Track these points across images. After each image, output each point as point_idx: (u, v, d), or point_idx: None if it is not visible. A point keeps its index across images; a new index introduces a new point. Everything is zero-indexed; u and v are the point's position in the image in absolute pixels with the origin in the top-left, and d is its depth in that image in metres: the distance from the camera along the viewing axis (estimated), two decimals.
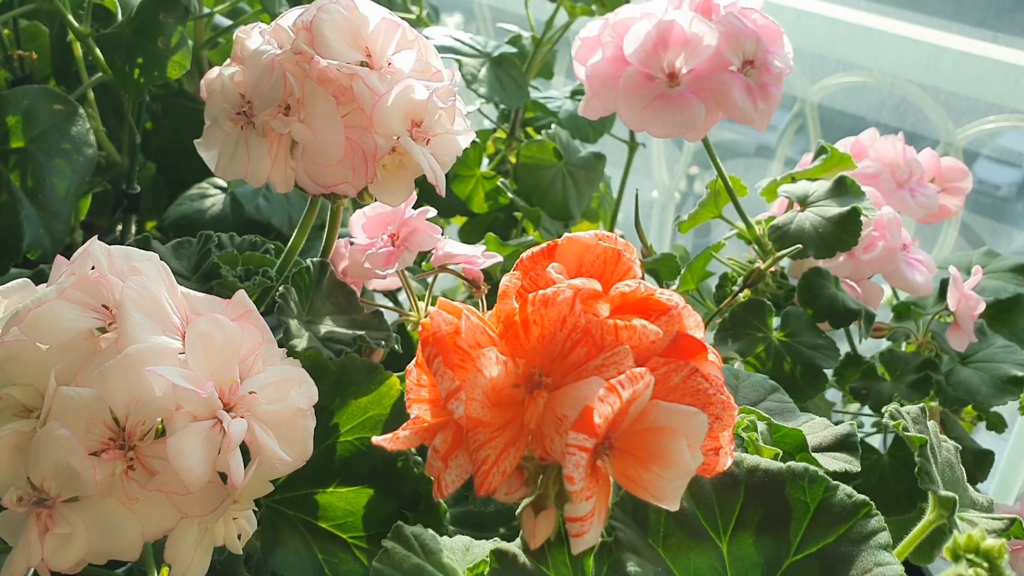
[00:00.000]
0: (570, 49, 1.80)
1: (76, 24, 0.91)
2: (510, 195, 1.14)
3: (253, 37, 0.69)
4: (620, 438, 0.43)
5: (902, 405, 0.99)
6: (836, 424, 0.62)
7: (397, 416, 0.80)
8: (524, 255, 0.48)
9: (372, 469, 0.78)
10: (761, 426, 0.54)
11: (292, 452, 0.54)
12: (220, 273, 0.71)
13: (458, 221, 1.31)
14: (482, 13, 2.20)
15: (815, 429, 0.60)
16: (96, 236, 0.56)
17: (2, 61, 1.10)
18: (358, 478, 0.79)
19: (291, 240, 0.74)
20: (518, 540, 0.52)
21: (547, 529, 0.44)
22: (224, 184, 1.19)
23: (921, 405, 0.55)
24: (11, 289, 0.56)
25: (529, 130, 1.38)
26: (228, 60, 0.70)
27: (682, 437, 0.42)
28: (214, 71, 0.70)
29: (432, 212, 0.79)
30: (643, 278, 0.47)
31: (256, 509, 0.57)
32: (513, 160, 1.27)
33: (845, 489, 0.48)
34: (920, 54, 1.55)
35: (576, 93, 1.38)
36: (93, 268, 0.54)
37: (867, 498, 0.47)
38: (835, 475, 0.50)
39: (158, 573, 0.67)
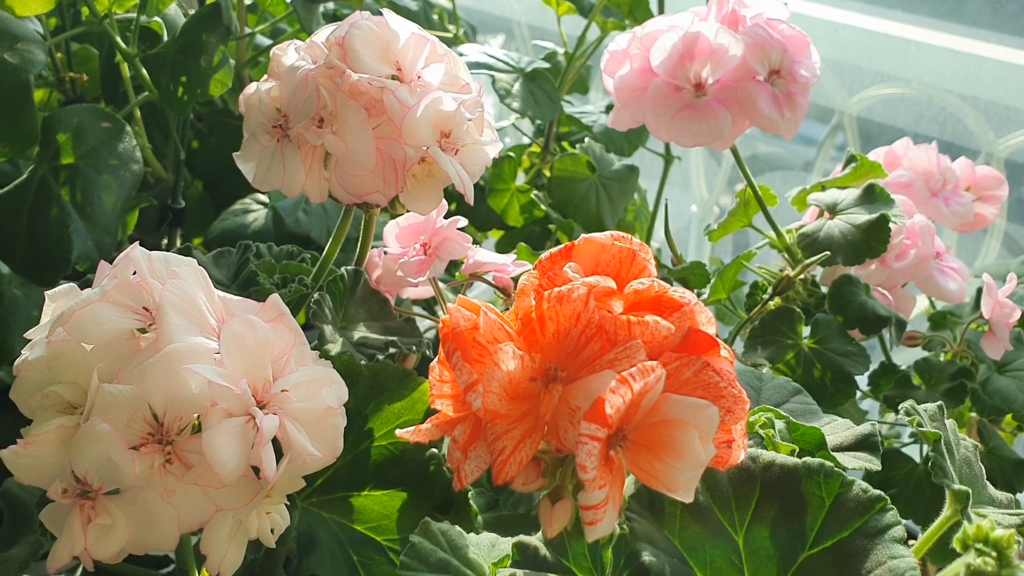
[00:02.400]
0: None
1: (123, 45, 0.95)
2: (544, 208, 1.16)
3: (289, 54, 0.72)
4: (633, 431, 0.44)
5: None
6: None
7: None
8: (543, 255, 0.50)
9: (405, 473, 0.80)
10: (779, 424, 0.55)
11: (322, 448, 0.56)
12: (258, 281, 0.73)
13: (495, 235, 1.33)
14: (521, 32, 2.23)
15: (836, 429, 0.61)
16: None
17: (55, 83, 1.14)
18: (392, 482, 0.80)
19: (326, 249, 0.77)
20: (539, 533, 0.53)
21: (563, 518, 0.45)
22: (266, 199, 1.22)
23: (939, 403, 0.55)
24: (58, 294, 0.59)
25: (565, 144, 1.40)
26: (265, 76, 0.73)
27: (694, 429, 0.43)
28: (252, 87, 0.73)
29: (463, 222, 0.81)
30: (671, 283, 0.48)
31: (289, 504, 0.59)
32: (548, 174, 1.29)
33: (860, 484, 0.49)
34: (960, 64, 1.54)
35: (611, 107, 1.39)
36: (135, 273, 0.57)
37: (882, 493, 0.48)
38: (867, 477, 0.51)
39: (199, 573, 0.69)
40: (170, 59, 0.91)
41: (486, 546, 0.59)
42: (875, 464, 0.56)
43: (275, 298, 0.59)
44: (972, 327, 1.04)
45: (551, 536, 0.45)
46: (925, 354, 1.12)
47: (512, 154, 1.27)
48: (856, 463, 0.56)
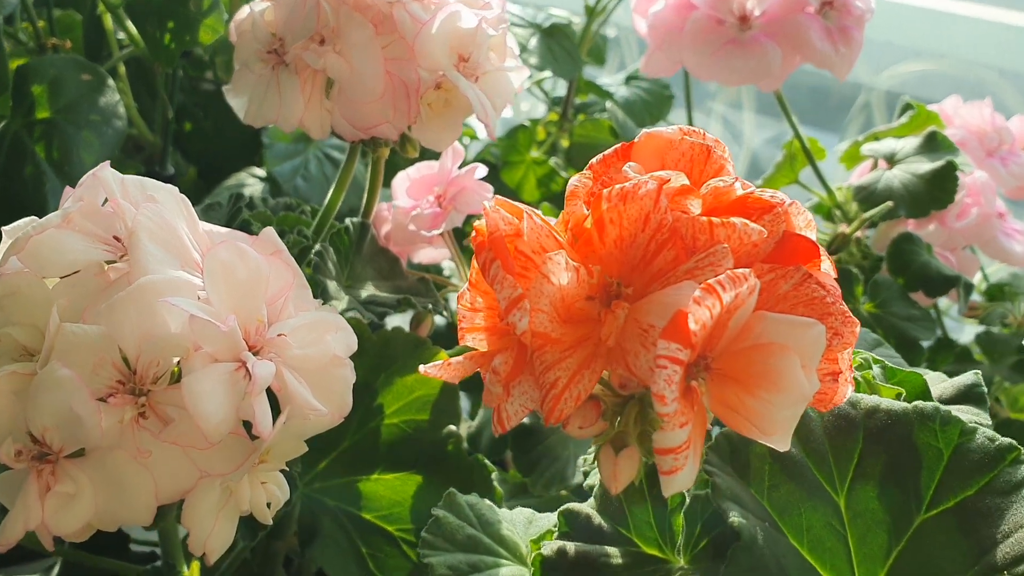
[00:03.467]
0: (619, 43, 1.75)
1: None
2: (564, 176, 1.07)
3: None
4: (718, 358, 0.35)
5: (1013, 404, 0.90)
6: None
7: (447, 396, 0.73)
8: (594, 160, 0.41)
9: (420, 453, 0.72)
10: (876, 369, 0.46)
11: (328, 403, 0.47)
12: (251, 231, 0.64)
13: None
14: None
15: (932, 381, 0.52)
16: None
17: (36, 50, 1.06)
18: (405, 463, 0.72)
19: (328, 196, 0.68)
20: (590, 500, 0.44)
21: (630, 471, 0.36)
22: (263, 173, 1.14)
23: None
24: (18, 228, 0.50)
25: (581, 117, 1.31)
26: None
27: (795, 355, 0.34)
28: (244, 10, 0.64)
29: (484, 170, 0.73)
30: None
31: (286, 475, 0.50)
32: (566, 144, 1.20)
33: (985, 432, 0.40)
34: (997, 36, 1.46)
35: (631, 78, 1.31)
36: (106, 201, 0.48)
37: (1014, 441, 0.39)
38: None
39: (188, 568, 0.60)
40: (156, 4, 0.83)
41: (522, 522, 0.50)
42: (984, 418, 0.47)
43: (270, 231, 0.50)
44: None
45: (616, 491, 0.36)
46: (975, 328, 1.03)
47: (527, 123, 1.18)
48: (964, 416, 0.47)
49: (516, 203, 0.37)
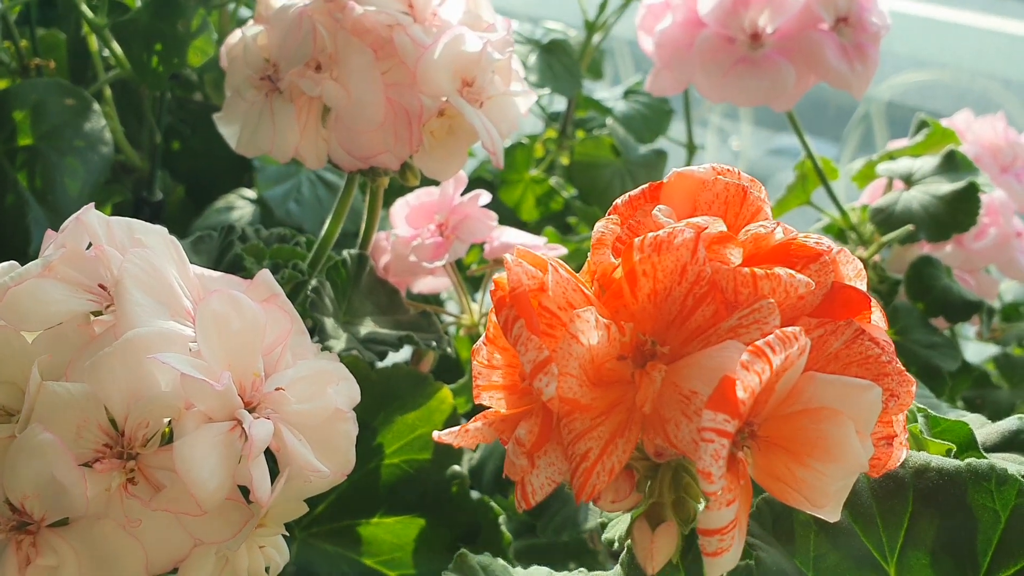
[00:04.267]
0: (612, 54, 1.72)
1: (91, 14, 0.83)
2: (564, 196, 1.04)
3: None
4: (765, 424, 0.32)
5: None
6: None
7: None
8: (619, 201, 0.38)
9: (423, 496, 0.68)
10: (920, 420, 0.43)
11: (330, 462, 0.43)
12: (244, 266, 0.61)
13: None
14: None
15: (973, 425, 0.49)
16: None
17: (19, 70, 1.02)
18: (407, 506, 0.68)
19: (324, 228, 0.65)
20: (616, 569, 0.41)
21: (668, 549, 0.33)
22: (253, 195, 1.10)
23: None
24: None
25: (579, 133, 1.28)
26: (251, 21, 0.61)
27: (848, 420, 0.31)
28: (236, 34, 0.61)
29: (487, 196, 0.69)
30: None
31: (286, 535, 0.46)
32: (565, 162, 1.17)
33: None
34: (1001, 46, 1.44)
35: (629, 92, 1.28)
36: (90, 246, 0.44)
37: None
38: None
39: None
40: (143, 25, 0.80)
41: None
42: None
43: (265, 274, 0.47)
44: None
45: (653, 572, 0.33)
46: (992, 350, 1.00)
47: (525, 140, 1.15)
48: (1012, 468, 0.44)
49: (539, 254, 0.34)
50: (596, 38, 1.10)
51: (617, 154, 1.08)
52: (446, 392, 0.68)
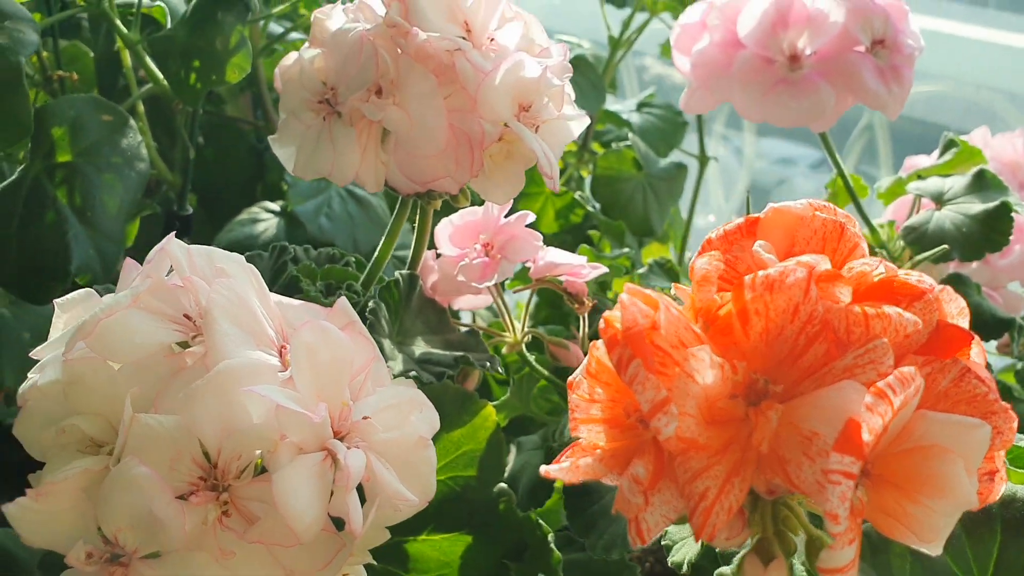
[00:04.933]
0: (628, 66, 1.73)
1: (125, 30, 0.83)
2: (589, 208, 1.05)
3: (334, 16, 0.61)
4: (877, 461, 0.32)
5: None
6: None
7: (492, 451, 0.70)
8: (712, 235, 0.39)
9: (470, 513, 0.68)
10: None
11: (414, 489, 0.44)
12: (300, 287, 0.61)
13: None
14: None
15: None
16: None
17: (42, 82, 1.02)
18: (454, 524, 0.69)
19: (378, 249, 0.65)
20: None
21: None
22: (276, 207, 1.10)
23: None
24: (71, 302, 0.47)
25: (595, 146, 1.29)
26: (307, 43, 0.61)
27: (958, 458, 0.32)
28: (290, 56, 0.61)
29: (532, 216, 0.70)
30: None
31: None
32: (584, 174, 1.18)
33: None
34: (1006, 60, 1.45)
35: (643, 105, 1.29)
36: (171, 271, 0.45)
37: None
38: None
39: None
40: (180, 42, 0.79)
41: None
42: None
43: (344, 302, 0.47)
44: None
45: None
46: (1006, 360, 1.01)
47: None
48: None
49: (649, 291, 0.34)
50: (619, 55, 1.10)
51: (639, 168, 1.09)
52: (490, 410, 0.69)
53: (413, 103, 0.55)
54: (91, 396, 0.41)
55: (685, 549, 0.50)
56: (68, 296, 0.47)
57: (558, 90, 0.59)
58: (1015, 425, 0.34)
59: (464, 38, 0.58)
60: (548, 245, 1.18)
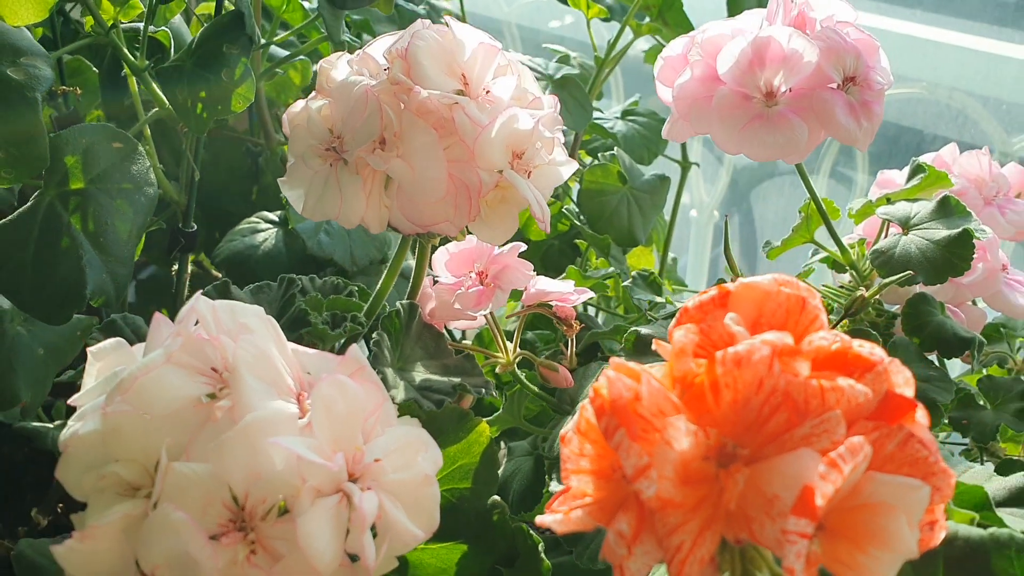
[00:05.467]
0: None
1: (132, 58, 0.87)
2: (575, 222, 1.09)
3: (339, 67, 0.65)
4: (830, 516, 0.37)
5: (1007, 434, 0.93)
6: None
7: (486, 465, 0.75)
8: (689, 305, 0.43)
9: (466, 524, 0.73)
10: None
11: (420, 523, 0.49)
12: (308, 320, 0.66)
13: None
14: (511, 32, 2.16)
15: (979, 480, 0.55)
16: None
17: (46, 97, 1.05)
18: (450, 533, 0.73)
19: (381, 282, 0.69)
20: None
21: None
22: (275, 218, 1.14)
23: None
24: (104, 351, 0.51)
25: (582, 153, 1.33)
26: (313, 93, 0.65)
27: (902, 514, 0.37)
28: (298, 104, 0.65)
29: (523, 247, 0.74)
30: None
31: None
32: (572, 184, 1.22)
33: None
34: (979, 64, 1.50)
35: (627, 113, 1.33)
36: (197, 323, 0.49)
37: None
38: None
39: None
40: (187, 72, 0.83)
41: None
42: None
43: (355, 350, 0.51)
44: None
45: None
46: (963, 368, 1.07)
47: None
48: (1019, 523, 0.50)
49: (632, 365, 0.39)
50: (604, 72, 1.14)
51: (623, 181, 1.14)
52: (484, 426, 0.73)
53: (416, 155, 0.60)
54: (128, 445, 0.46)
55: (662, 569, 0.55)
56: (100, 345, 0.51)
57: (549, 140, 0.63)
58: (953, 482, 0.39)
59: (462, 91, 0.62)
60: (537, 251, 1.23)
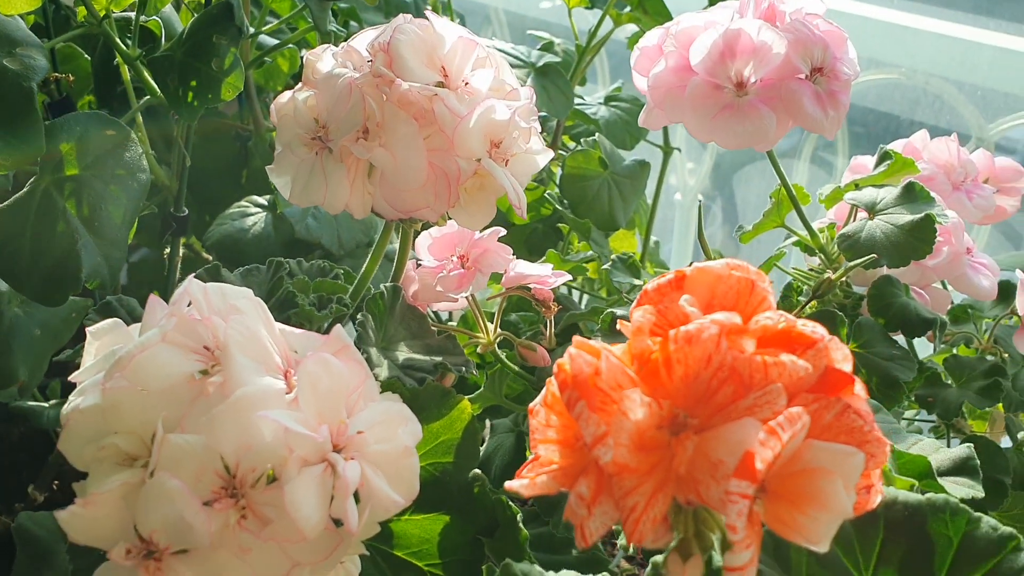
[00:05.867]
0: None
1: (124, 47, 0.89)
2: (557, 206, 1.12)
3: (324, 60, 0.68)
4: (773, 480, 0.41)
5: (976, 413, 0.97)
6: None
7: (468, 440, 0.78)
8: (648, 287, 0.47)
9: (448, 496, 0.77)
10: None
11: (400, 491, 0.52)
12: (296, 302, 0.69)
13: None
14: (498, 18, 2.19)
15: (926, 451, 0.58)
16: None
17: (39, 84, 1.07)
18: (433, 505, 0.77)
19: (365, 265, 0.73)
20: None
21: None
22: (264, 202, 1.17)
23: None
24: (102, 331, 0.54)
25: (565, 138, 1.36)
26: (300, 84, 0.68)
27: (838, 478, 0.40)
28: (285, 95, 0.68)
29: (503, 231, 0.78)
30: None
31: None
32: (555, 170, 1.25)
33: (989, 521, 0.46)
34: (956, 51, 1.53)
35: (610, 99, 1.36)
36: (189, 305, 0.52)
37: (1014, 531, 0.46)
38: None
39: None
40: (178, 62, 0.86)
41: None
42: (978, 491, 0.54)
43: (339, 330, 0.55)
44: (1001, 322, 1.02)
45: None
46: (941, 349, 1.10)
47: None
48: (960, 490, 0.53)
49: (592, 343, 0.42)
50: (586, 60, 1.17)
51: (605, 167, 1.17)
52: (466, 403, 0.77)
53: (397, 145, 0.63)
54: (126, 418, 0.49)
55: None
56: (99, 325, 0.54)
57: (525, 129, 0.66)
58: (887, 449, 0.43)
59: (442, 83, 0.65)
60: (520, 235, 1.26)
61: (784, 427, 0.39)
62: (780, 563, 0.45)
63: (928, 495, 0.47)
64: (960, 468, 0.56)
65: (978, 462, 0.56)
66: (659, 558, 0.47)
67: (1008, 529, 0.46)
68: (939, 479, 0.55)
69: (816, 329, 0.43)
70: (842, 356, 0.43)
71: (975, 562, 0.46)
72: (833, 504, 0.40)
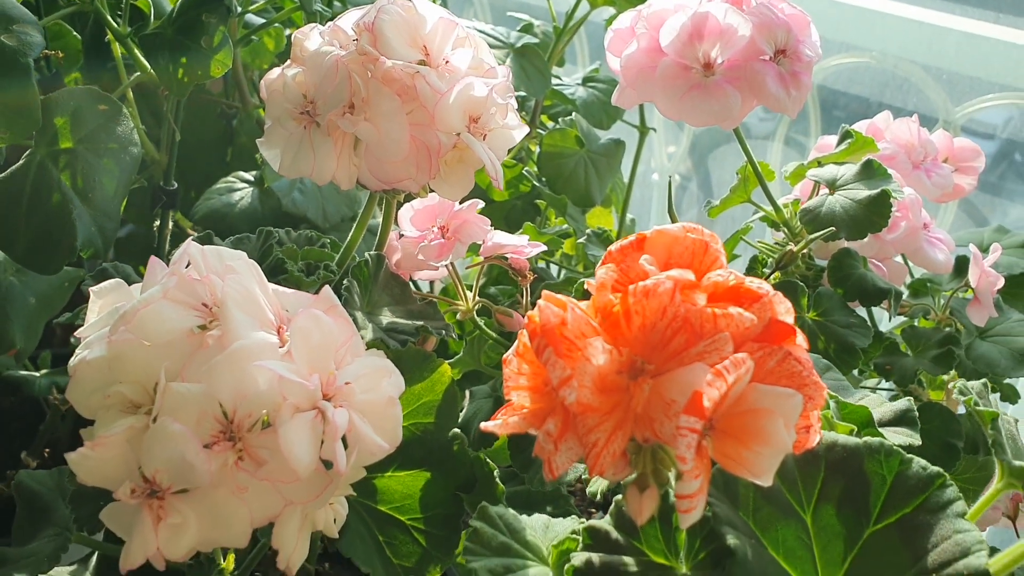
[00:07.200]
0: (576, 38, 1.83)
1: (115, 25, 0.92)
2: (535, 183, 1.16)
3: (312, 38, 0.71)
4: (720, 419, 0.45)
5: (934, 383, 1.02)
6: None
7: (448, 401, 0.82)
8: (612, 248, 0.51)
9: (429, 453, 0.81)
10: (832, 406, 0.57)
11: (386, 439, 0.56)
12: (285, 268, 0.73)
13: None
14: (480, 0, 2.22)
15: (872, 405, 0.63)
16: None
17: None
18: (415, 462, 0.81)
19: (350, 235, 0.77)
20: (607, 518, 0.55)
21: (652, 506, 0.46)
22: (251, 177, 1.21)
23: (983, 380, 0.58)
24: (104, 290, 0.58)
25: (543, 118, 1.40)
26: (288, 61, 0.72)
27: (779, 417, 0.45)
28: (275, 72, 0.72)
29: (481, 203, 0.82)
30: None
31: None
32: (533, 148, 1.29)
33: (919, 462, 0.51)
34: (923, 35, 1.58)
35: (588, 80, 1.40)
36: (188, 265, 0.56)
37: (941, 470, 0.50)
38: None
39: (224, 560, 0.69)
40: (168, 39, 0.89)
41: (540, 528, 0.61)
42: (915, 439, 0.59)
43: (328, 290, 0.59)
44: (956, 295, 1.07)
45: (642, 523, 0.46)
46: (899, 320, 1.16)
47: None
48: (899, 439, 0.58)
49: (559, 296, 0.47)
50: (564, 42, 1.21)
51: (581, 145, 1.21)
52: (446, 367, 0.81)
53: (381, 119, 0.67)
54: (131, 368, 0.53)
55: (599, 483, 0.63)
56: (101, 285, 0.58)
57: (502, 105, 0.71)
58: (825, 394, 0.47)
59: (423, 61, 0.69)
60: (500, 210, 1.30)
61: (730, 370, 0.43)
62: (729, 498, 0.50)
63: (865, 439, 0.52)
64: (900, 419, 0.61)
65: (916, 414, 0.61)
66: (621, 497, 0.51)
67: (936, 469, 0.51)
68: (880, 428, 0.60)
69: (762, 286, 0.48)
70: (785, 309, 0.48)
71: (907, 497, 0.51)
72: (775, 441, 0.45)
